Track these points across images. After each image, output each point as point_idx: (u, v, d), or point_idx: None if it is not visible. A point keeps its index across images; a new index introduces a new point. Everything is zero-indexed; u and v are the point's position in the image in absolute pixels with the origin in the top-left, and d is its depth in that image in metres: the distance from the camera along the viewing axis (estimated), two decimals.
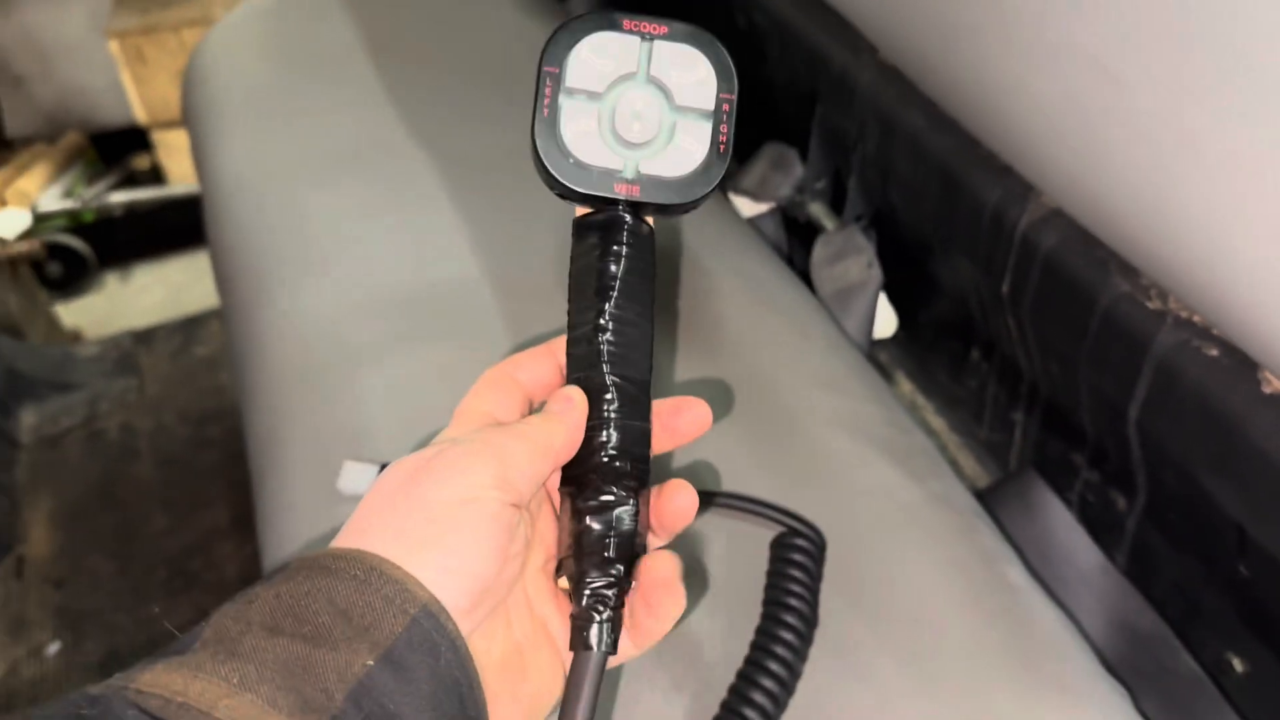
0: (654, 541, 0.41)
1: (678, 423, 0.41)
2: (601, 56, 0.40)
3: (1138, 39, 0.47)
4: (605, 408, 0.39)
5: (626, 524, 0.38)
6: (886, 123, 0.70)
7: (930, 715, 0.48)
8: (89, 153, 2.19)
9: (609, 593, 0.37)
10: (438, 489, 0.34)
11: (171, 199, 2.10)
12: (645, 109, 0.40)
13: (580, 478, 0.39)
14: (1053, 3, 0.52)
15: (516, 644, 0.37)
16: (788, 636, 0.47)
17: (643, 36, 0.40)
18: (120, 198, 2.09)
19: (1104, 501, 0.63)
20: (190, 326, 1.52)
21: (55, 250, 1.99)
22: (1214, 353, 0.50)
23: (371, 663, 0.31)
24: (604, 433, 0.39)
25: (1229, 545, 0.52)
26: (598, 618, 0.37)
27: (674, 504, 0.40)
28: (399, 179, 0.80)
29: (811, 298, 0.73)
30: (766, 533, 0.54)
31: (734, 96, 0.41)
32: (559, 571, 0.39)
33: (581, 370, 0.40)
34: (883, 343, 0.81)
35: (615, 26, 0.40)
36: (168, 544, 1.22)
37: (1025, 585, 0.55)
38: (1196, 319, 0.51)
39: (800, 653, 0.48)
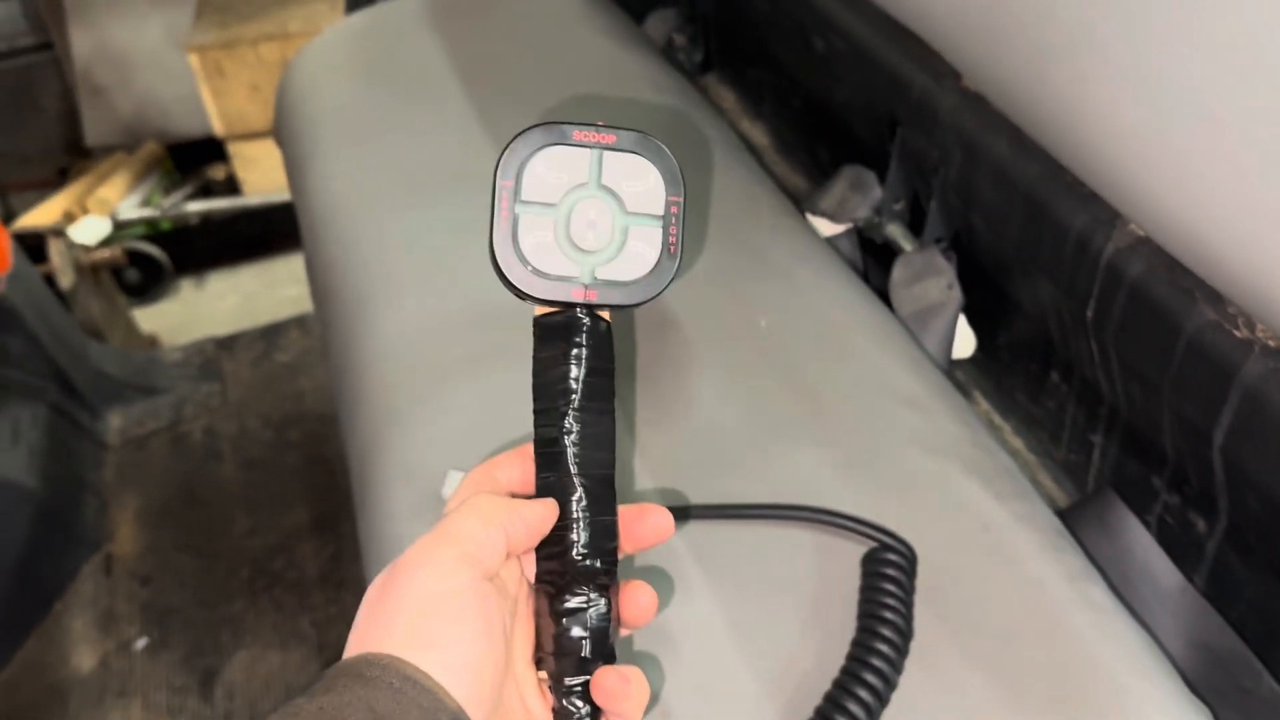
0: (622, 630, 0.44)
1: (639, 529, 0.44)
2: (554, 169, 0.43)
3: (1236, 76, 0.48)
4: (574, 508, 0.42)
5: (598, 623, 0.41)
6: (970, 148, 0.71)
7: None
8: (166, 162, 2.26)
9: (586, 690, 0.41)
10: (415, 589, 0.38)
11: (246, 209, 2.16)
12: (598, 217, 0.43)
13: (554, 578, 0.42)
14: (1150, 31, 0.53)
15: None
16: (884, 648, 0.49)
17: (592, 148, 0.43)
18: (196, 207, 2.15)
19: (1183, 524, 0.64)
20: (271, 334, 1.57)
21: (134, 257, 2.05)
22: None
23: None
24: (574, 532, 0.42)
25: None
26: (576, 713, 0.41)
27: (637, 603, 0.43)
28: (489, 199, 0.83)
29: (892, 316, 0.75)
30: (855, 549, 0.56)
31: (681, 199, 0.44)
32: (539, 665, 0.42)
33: (550, 471, 0.43)
34: (960, 363, 0.82)
35: (566, 139, 0.43)
36: (250, 544, 1.26)
37: (1109, 605, 0.56)
38: None
39: (897, 664, 0.49)
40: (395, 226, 0.83)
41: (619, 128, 0.43)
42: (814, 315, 0.72)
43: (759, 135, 1.10)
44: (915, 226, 0.85)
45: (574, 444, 0.42)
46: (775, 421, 0.64)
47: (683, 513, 0.59)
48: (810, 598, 0.55)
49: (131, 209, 2.10)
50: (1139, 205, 0.58)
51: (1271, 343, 0.53)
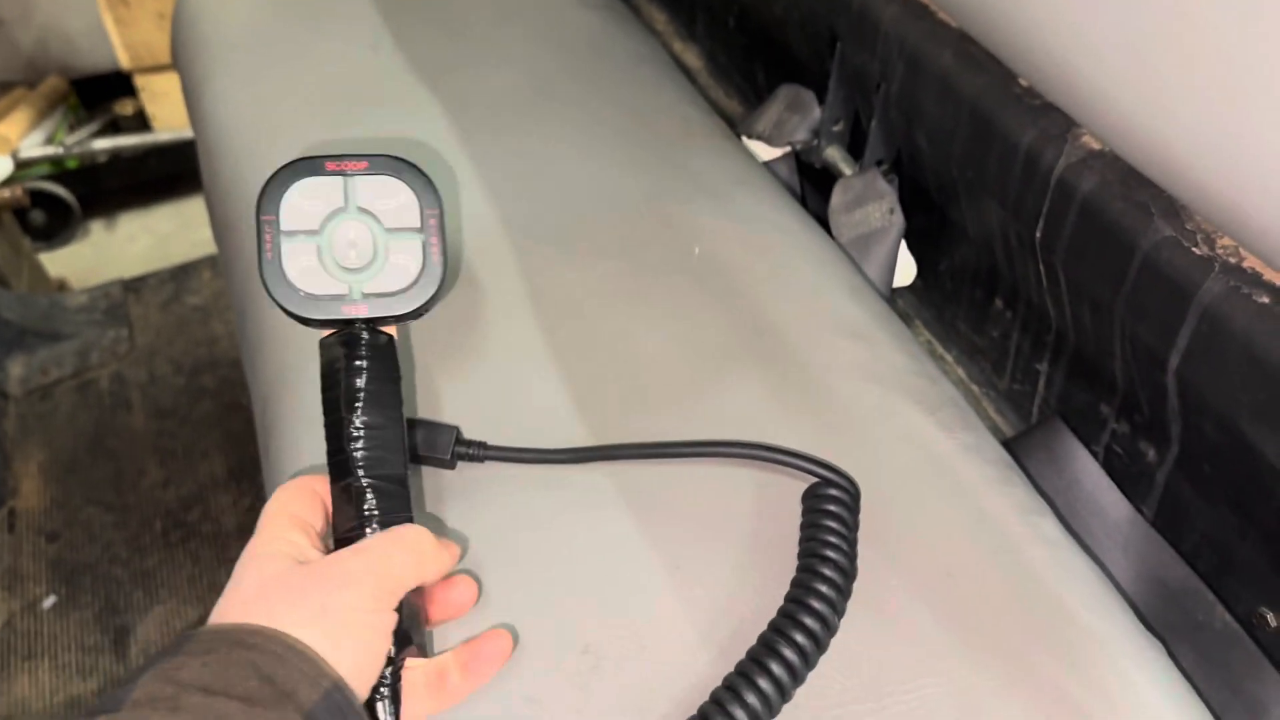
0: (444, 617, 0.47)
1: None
2: (310, 199, 0.46)
3: None
4: (366, 508, 0.44)
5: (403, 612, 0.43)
6: (913, 61, 0.67)
7: (968, 672, 0.46)
8: (71, 98, 2.14)
9: (385, 674, 0.42)
10: (342, 599, 0.40)
11: (157, 145, 2.05)
12: (357, 237, 0.46)
13: None
14: None
15: None
16: (824, 588, 0.46)
17: (344, 175, 0.47)
18: (104, 144, 2.04)
19: (1133, 453, 0.62)
20: (181, 275, 1.49)
21: (38, 198, 1.94)
22: (1264, 299, 0.48)
23: None
24: (368, 529, 0.44)
25: (1273, 500, 0.51)
26: (379, 697, 0.42)
27: (450, 600, 0.47)
28: (402, 122, 0.78)
29: (833, 243, 0.71)
30: (796, 485, 0.52)
31: (438, 211, 0.48)
32: None
33: (342, 478, 0.45)
34: (901, 291, 0.79)
35: (319, 171, 0.47)
36: (163, 496, 1.20)
37: (1060, 539, 0.53)
38: (1246, 264, 0.49)
39: (837, 606, 0.46)
40: (298, 152, 0.76)
41: (368, 155, 0.47)
42: (750, 242, 0.68)
43: (692, 58, 1.05)
44: (856, 150, 0.81)
45: (361, 450, 0.44)
46: (710, 354, 0.61)
47: (611, 452, 0.55)
48: (748, 538, 0.51)
49: (34, 147, 1.98)
50: (1095, 112, 0.55)
51: (1232, 259, 0.50)
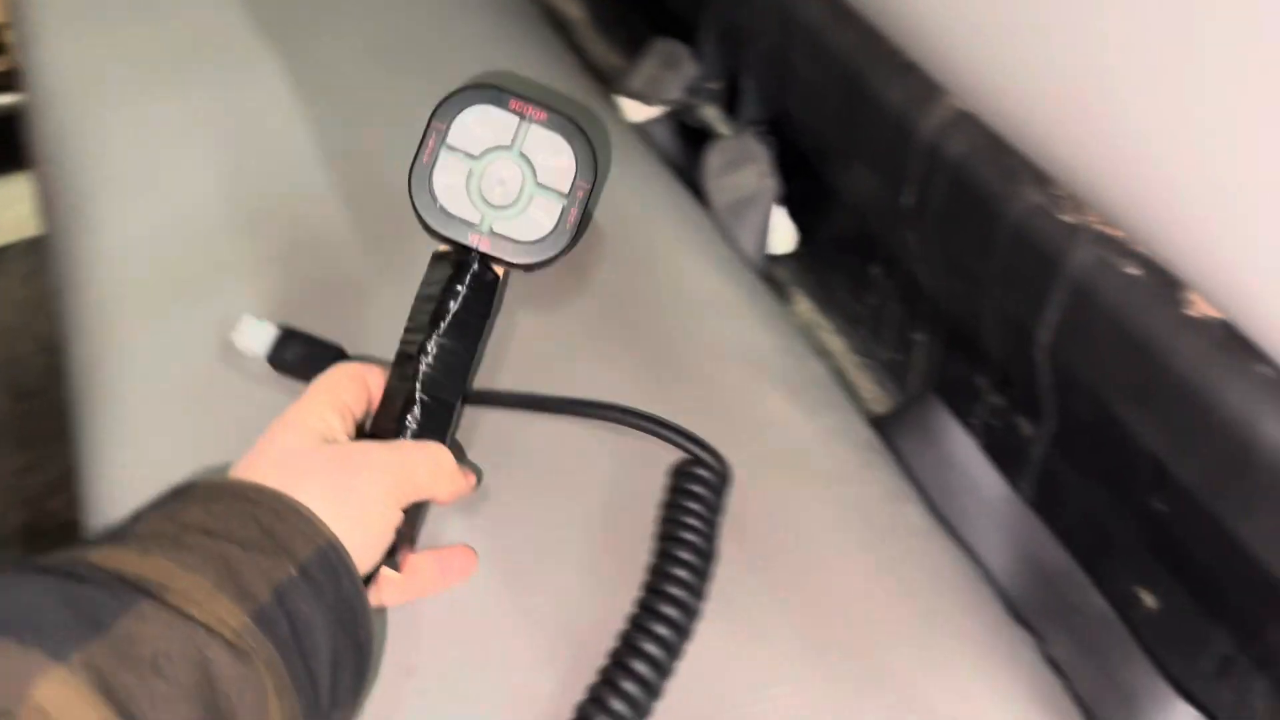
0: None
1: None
2: (484, 125, 0.48)
3: None
4: (409, 417, 0.45)
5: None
6: (784, 15, 0.63)
7: (820, 678, 0.43)
8: None
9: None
10: (357, 487, 0.40)
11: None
12: (509, 178, 0.47)
13: None
14: None
15: None
16: (684, 574, 0.43)
17: (522, 117, 0.48)
18: None
19: (1009, 427, 0.59)
20: (43, 245, 1.40)
21: None
22: (1134, 271, 0.45)
23: (294, 571, 0.36)
24: (402, 437, 0.45)
25: (1144, 479, 0.48)
26: None
27: (456, 561, 0.47)
28: (241, 83, 0.72)
29: (701, 212, 0.67)
30: (659, 458, 0.48)
31: (590, 186, 0.48)
32: None
33: (399, 380, 0.46)
34: (781, 259, 0.75)
35: (502, 104, 0.48)
36: (26, 482, 1.13)
37: (927, 527, 0.50)
38: (1116, 234, 0.46)
39: (698, 593, 0.43)
40: (128, 118, 0.70)
41: (551, 108, 0.48)
42: (613, 211, 0.64)
43: (574, 8, 1.00)
44: (733, 109, 0.77)
45: (428, 365, 0.45)
46: (564, 332, 0.56)
47: (488, 398, 0.53)
48: (608, 506, 0.48)
49: None
50: (960, 75, 0.51)
51: (1102, 229, 0.47)
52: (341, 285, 0.59)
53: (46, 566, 0.33)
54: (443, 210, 0.47)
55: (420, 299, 0.48)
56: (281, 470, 0.40)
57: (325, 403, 0.44)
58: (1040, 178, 0.49)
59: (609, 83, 0.81)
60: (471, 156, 0.47)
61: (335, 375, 0.46)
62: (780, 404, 0.53)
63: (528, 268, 0.48)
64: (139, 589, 0.33)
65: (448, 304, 0.46)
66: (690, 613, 0.44)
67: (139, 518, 0.37)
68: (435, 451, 0.44)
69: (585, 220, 0.49)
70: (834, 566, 0.47)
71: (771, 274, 0.73)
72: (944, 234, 0.55)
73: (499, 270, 0.48)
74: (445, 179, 0.47)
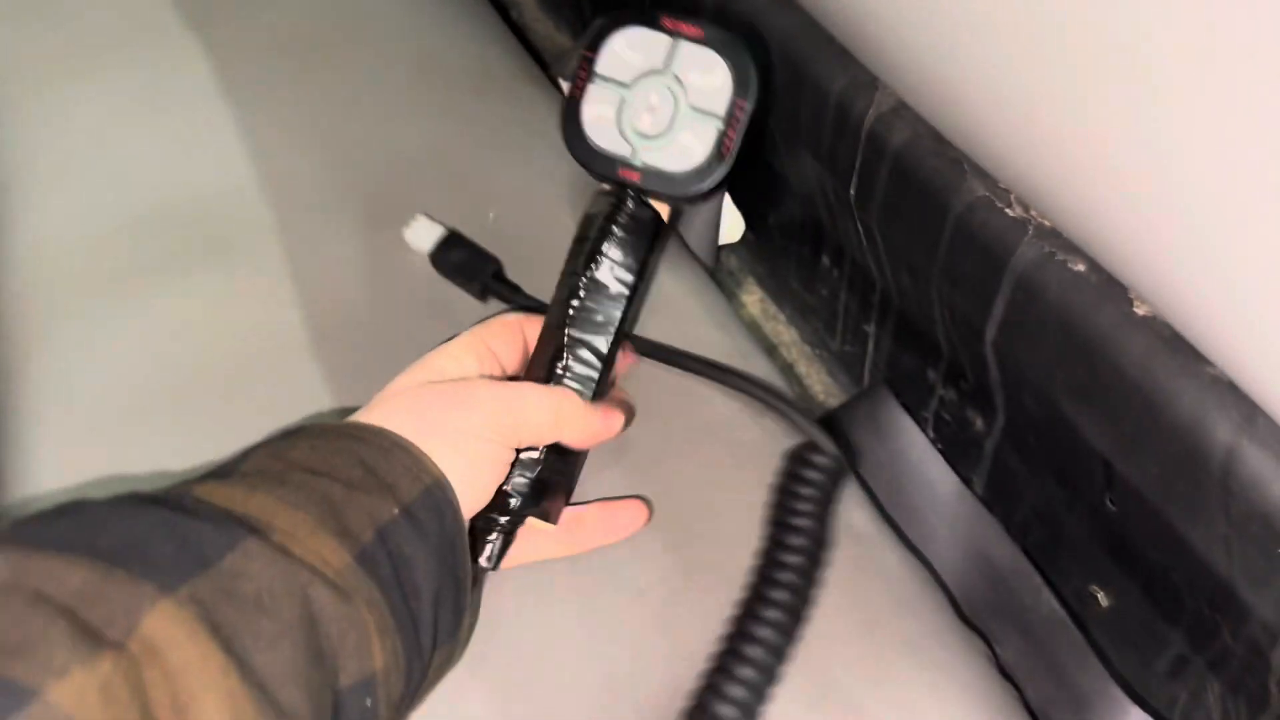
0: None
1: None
2: (633, 49, 0.45)
3: None
4: (557, 367, 0.44)
5: (531, 472, 0.42)
6: None
7: None
8: None
9: (500, 520, 0.42)
10: (463, 418, 0.40)
11: None
12: (660, 103, 0.44)
13: None
14: None
15: None
16: (799, 565, 0.43)
17: (674, 36, 0.45)
18: None
19: (961, 421, 0.58)
20: None
21: None
22: (1080, 268, 0.43)
23: (397, 511, 0.36)
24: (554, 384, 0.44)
25: (1095, 477, 0.47)
26: (490, 535, 0.42)
27: (620, 516, 0.47)
28: (166, 71, 0.69)
29: None
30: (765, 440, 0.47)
31: (748, 104, 0.45)
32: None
33: (552, 326, 0.45)
34: (731, 247, 0.73)
35: (653, 23, 0.45)
36: None
37: (872, 532, 0.49)
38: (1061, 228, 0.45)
39: (809, 590, 0.43)
40: (44, 108, 0.67)
41: (708, 24, 0.45)
42: (551, 206, 0.61)
43: None
44: None
45: (577, 309, 0.44)
46: None
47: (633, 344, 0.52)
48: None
49: None
50: (893, 66, 0.49)
51: (1047, 223, 0.45)
52: (277, 275, 0.57)
53: (157, 498, 0.33)
54: (592, 146, 0.45)
55: (576, 240, 0.46)
56: (387, 407, 0.40)
57: (466, 344, 0.44)
58: (984, 170, 0.47)
59: (550, 65, 0.79)
60: (622, 85, 0.45)
61: (489, 323, 0.46)
62: (721, 408, 0.52)
63: (685, 200, 0.46)
64: (245, 525, 0.33)
65: (601, 244, 0.45)
66: (799, 609, 0.43)
67: (247, 455, 0.37)
68: (558, 395, 0.43)
69: (761, 145, 0.47)
70: None
71: (722, 263, 0.71)
72: (889, 227, 0.53)
73: (659, 206, 0.46)
74: (595, 110, 0.45)
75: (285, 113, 0.65)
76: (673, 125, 0.44)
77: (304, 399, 0.51)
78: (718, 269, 0.73)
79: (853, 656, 0.43)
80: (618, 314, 0.45)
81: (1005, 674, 0.47)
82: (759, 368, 0.55)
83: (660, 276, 0.58)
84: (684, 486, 0.49)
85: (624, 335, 0.46)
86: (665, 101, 0.44)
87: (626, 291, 0.45)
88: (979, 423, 0.56)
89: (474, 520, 0.41)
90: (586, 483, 0.48)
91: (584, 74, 0.45)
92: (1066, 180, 0.40)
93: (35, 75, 0.69)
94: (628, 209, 0.45)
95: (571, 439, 0.44)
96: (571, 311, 0.44)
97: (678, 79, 0.44)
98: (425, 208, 0.60)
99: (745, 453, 0.50)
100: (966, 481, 0.58)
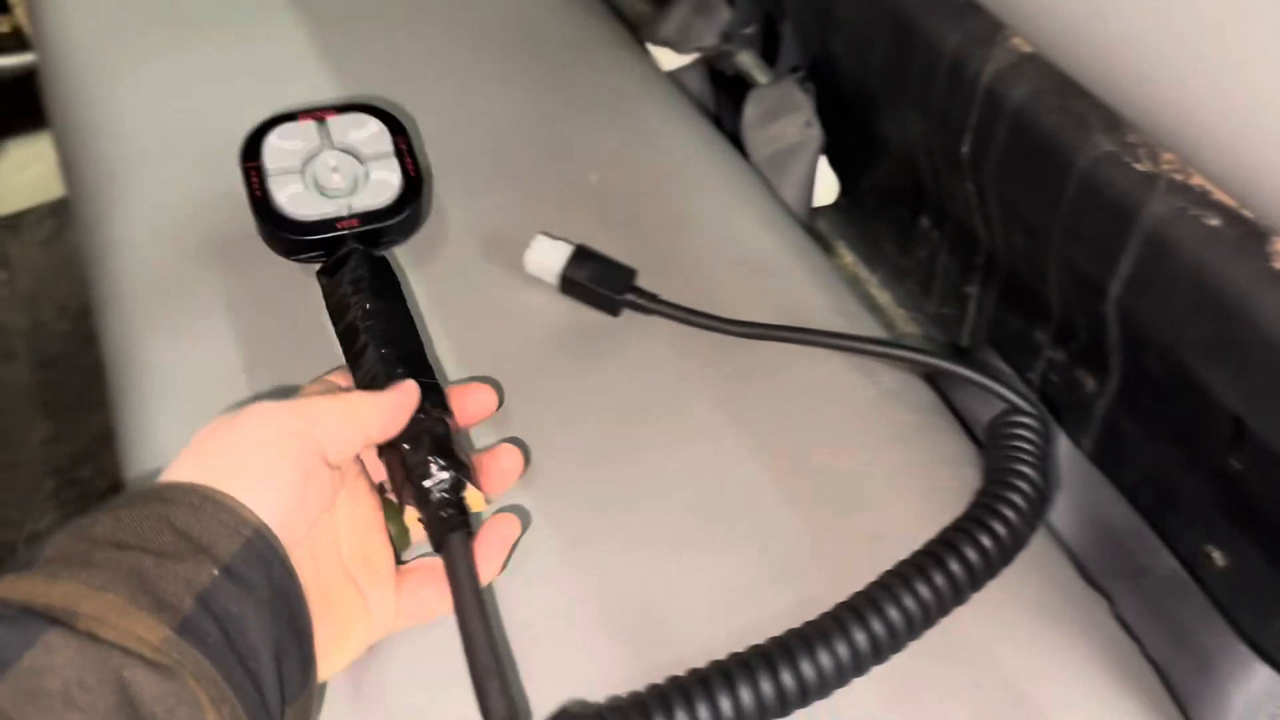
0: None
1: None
2: (290, 140, 0.52)
3: None
4: (363, 369, 0.44)
5: (440, 430, 0.41)
6: None
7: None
8: None
9: (445, 480, 0.40)
10: (244, 433, 0.38)
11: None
12: (339, 163, 0.51)
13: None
14: None
15: (321, 579, 0.39)
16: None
17: (318, 121, 0.53)
18: None
19: (1070, 383, 0.57)
20: (63, 209, 1.38)
21: None
22: (1215, 222, 0.43)
23: (216, 573, 0.34)
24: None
25: (1220, 437, 0.47)
26: (445, 511, 0.40)
27: (501, 464, 0.44)
28: (263, 42, 0.69)
29: (744, 164, 0.65)
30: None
31: (407, 137, 0.53)
32: (401, 509, 0.41)
33: (357, 369, 0.45)
34: (821, 210, 0.73)
35: (293, 119, 0.53)
36: (53, 452, 1.13)
37: None
38: (1195, 183, 0.44)
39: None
40: (150, 76, 0.68)
41: (334, 104, 0.54)
42: (652, 167, 0.61)
43: None
44: (770, 55, 0.74)
45: (375, 339, 0.44)
46: None
47: (790, 335, 0.52)
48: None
49: None
50: (1024, 12, 0.49)
51: (1178, 176, 0.44)
52: None
53: None
54: (300, 220, 0.49)
55: (335, 308, 0.47)
56: (196, 457, 0.37)
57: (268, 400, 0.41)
58: (1113, 121, 0.46)
59: (639, 30, 0.78)
60: (296, 171, 0.51)
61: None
62: (834, 366, 0.52)
63: (404, 228, 0.51)
64: (46, 617, 0.31)
65: (365, 301, 0.46)
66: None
67: (50, 540, 0.34)
68: (353, 396, 0.41)
69: (423, 169, 0.53)
70: (897, 536, 0.46)
71: (813, 227, 0.71)
72: (1005, 185, 0.53)
73: (379, 248, 0.50)
74: (286, 193, 0.50)
75: (381, 81, 0.65)
76: (362, 173, 0.51)
77: None
78: None
79: (978, 612, 0.43)
80: (409, 333, 0.46)
81: (1128, 629, 0.47)
82: (867, 329, 0.55)
83: (760, 237, 0.58)
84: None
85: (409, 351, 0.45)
86: (343, 161, 0.51)
87: (407, 326, 0.46)
88: (1090, 384, 0.56)
89: (420, 506, 0.40)
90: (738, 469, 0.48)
91: (257, 178, 0.50)
92: (1212, 120, 0.40)
93: (135, 51, 0.70)
94: (358, 251, 0.48)
95: (375, 423, 0.41)
96: (377, 353, 0.44)
97: (343, 143, 0.52)
98: (524, 175, 0.60)
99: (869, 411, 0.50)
100: (1075, 443, 0.57)
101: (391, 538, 0.43)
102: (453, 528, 0.39)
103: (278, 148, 0.51)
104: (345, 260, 0.47)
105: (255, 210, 0.50)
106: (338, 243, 0.49)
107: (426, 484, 0.40)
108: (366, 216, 0.49)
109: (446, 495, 0.40)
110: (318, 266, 0.49)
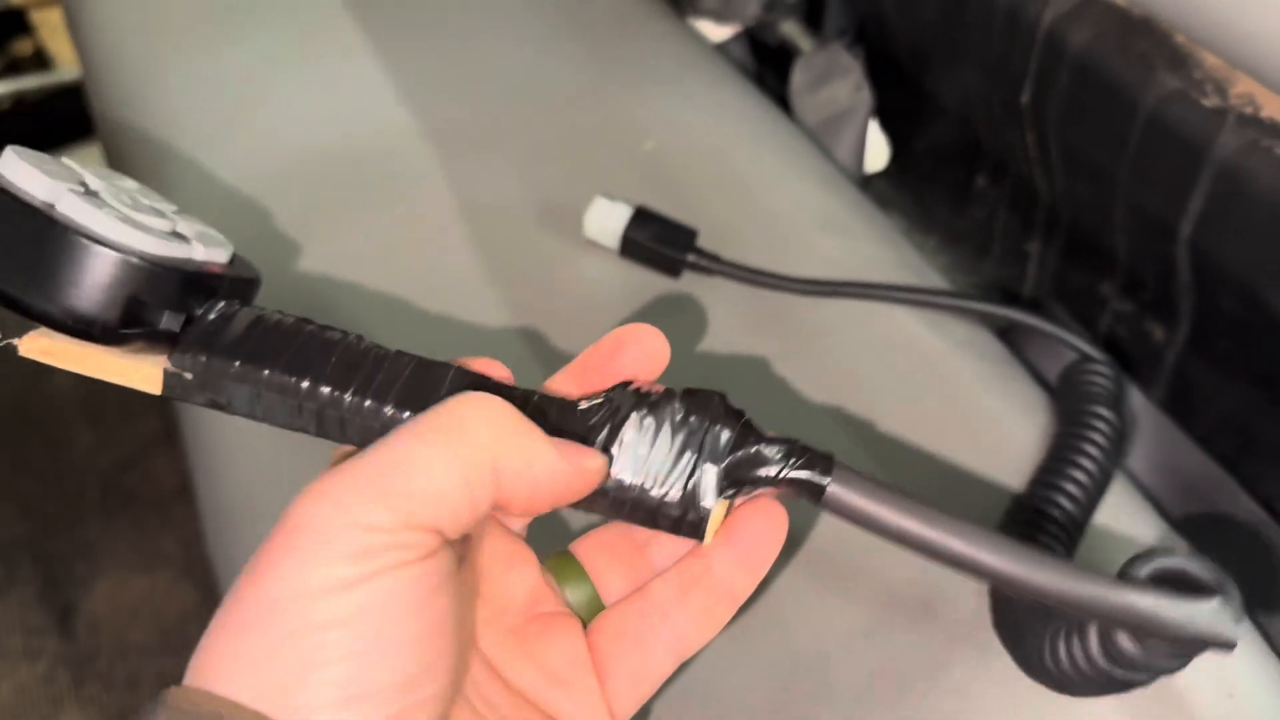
0: None
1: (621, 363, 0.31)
2: (41, 166, 0.31)
3: None
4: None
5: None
6: None
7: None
8: None
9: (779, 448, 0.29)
10: (295, 576, 0.22)
11: (63, 86, 1.92)
12: (149, 200, 0.33)
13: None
14: None
15: None
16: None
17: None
18: (3, 89, 1.91)
19: (1137, 334, 0.56)
20: None
21: None
22: None
23: None
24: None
25: None
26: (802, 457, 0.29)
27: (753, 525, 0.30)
28: (309, 25, 0.69)
29: (797, 129, 0.64)
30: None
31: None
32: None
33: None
34: (872, 177, 0.73)
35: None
36: (98, 460, 1.13)
37: None
38: (1264, 114, 0.43)
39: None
40: (196, 71, 0.68)
41: None
42: (707, 133, 0.61)
43: None
44: (814, 21, 0.74)
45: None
46: None
47: (854, 290, 0.52)
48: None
49: None
50: None
51: (1248, 109, 0.44)
52: (436, 226, 0.57)
53: None
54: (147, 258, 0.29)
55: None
56: (274, 657, 0.23)
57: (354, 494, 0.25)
58: (1177, 58, 0.46)
59: (680, 5, 0.78)
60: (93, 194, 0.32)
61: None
62: (902, 319, 0.51)
63: (246, 278, 0.35)
64: None
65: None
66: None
67: None
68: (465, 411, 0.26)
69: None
70: (973, 490, 0.45)
71: (867, 192, 0.70)
72: (1068, 131, 0.52)
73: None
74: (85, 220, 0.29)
75: (428, 57, 0.66)
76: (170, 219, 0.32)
77: (475, 339, 0.52)
78: None
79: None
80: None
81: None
82: (933, 283, 0.55)
83: (818, 198, 0.58)
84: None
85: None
86: (147, 198, 0.34)
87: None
88: (1158, 333, 0.55)
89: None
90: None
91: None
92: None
93: (189, 36, 0.71)
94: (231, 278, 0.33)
95: (527, 495, 0.26)
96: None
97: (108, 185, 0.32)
98: (579, 145, 0.60)
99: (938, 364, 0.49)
100: (1145, 394, 0.56)
101: (572, 608, 0.31)
102: (824, 457, 0.29)
103: (23, 173, 0.29)
104: (230, 285, 0.33)
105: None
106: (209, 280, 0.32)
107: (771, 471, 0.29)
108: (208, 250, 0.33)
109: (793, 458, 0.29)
110: None
